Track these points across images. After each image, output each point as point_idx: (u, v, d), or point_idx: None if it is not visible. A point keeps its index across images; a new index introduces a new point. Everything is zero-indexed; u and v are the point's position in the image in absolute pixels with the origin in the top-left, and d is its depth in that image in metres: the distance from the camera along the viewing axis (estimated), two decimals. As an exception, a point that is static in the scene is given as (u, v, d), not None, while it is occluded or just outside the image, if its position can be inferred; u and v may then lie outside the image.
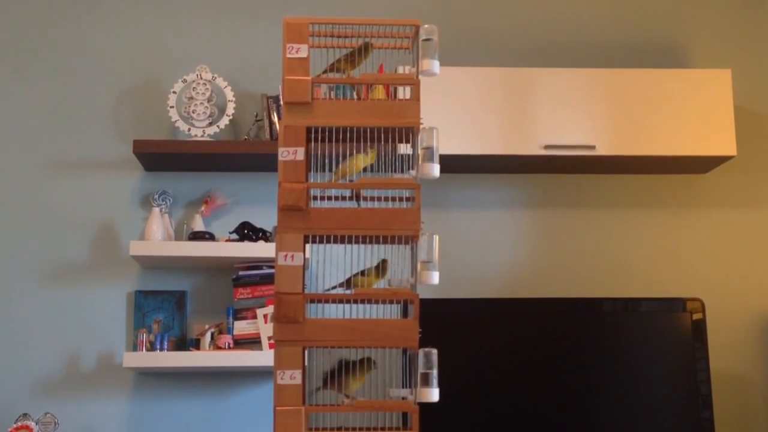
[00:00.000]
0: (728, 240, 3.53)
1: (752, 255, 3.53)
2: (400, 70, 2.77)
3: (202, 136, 3.30)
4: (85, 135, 3.45)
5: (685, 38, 3.66)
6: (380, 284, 2.07)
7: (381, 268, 2.07)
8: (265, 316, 3.14)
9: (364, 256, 2.07)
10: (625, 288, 3.46)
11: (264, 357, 3.08)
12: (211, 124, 3.33)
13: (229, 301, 3.24)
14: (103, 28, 3.53)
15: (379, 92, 2.86)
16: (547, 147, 3.23)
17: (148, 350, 3.14)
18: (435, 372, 1.96)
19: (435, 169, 2.05)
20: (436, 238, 2.02)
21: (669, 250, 3.51)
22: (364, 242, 2.05)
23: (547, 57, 3.59)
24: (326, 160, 2.07)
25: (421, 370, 1.96)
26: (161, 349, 3.14)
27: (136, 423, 3.28)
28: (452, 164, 3.25)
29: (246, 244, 3.18)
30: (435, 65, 2.06)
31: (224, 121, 3.32)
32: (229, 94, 3.33)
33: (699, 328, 3.18)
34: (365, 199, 2.08)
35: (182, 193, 3.43)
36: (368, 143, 2.06)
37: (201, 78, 3.34)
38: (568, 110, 3.25)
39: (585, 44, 3.62)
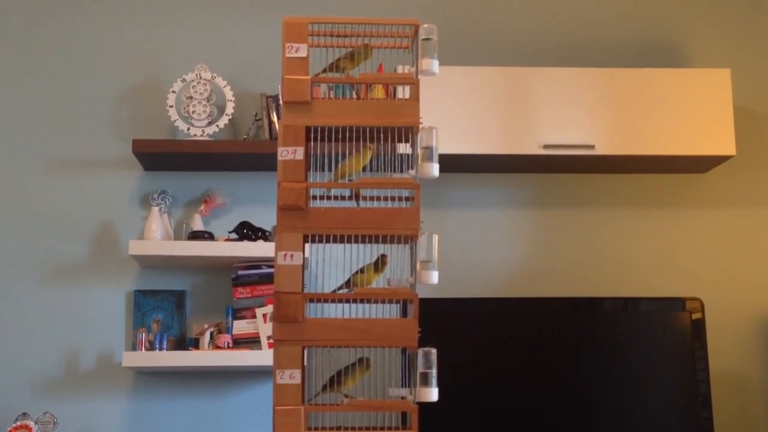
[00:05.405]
0: (727, 239, 3.53)
1: (752, 254, 3.53)
2: (400, 69, 2.78)
3: (201, 135, 3.29)
4: (85, 134, 3.45)
5: (685, 38, 3.66)
6: (379, 280, 2.07)
7: (380, 263, 2.07)
8: (264, 315, 3.14)
9: (364, 255, 2.07)
10: (624, 287, 3.46)
11: (263, 356, 3.08)
12: (210, 123, 3.33)
13: (229, 301, 3.24)
14: (102, 28, 3.52)
15: (379, 92, 2.86)
16: (546, 146, 3.23)
17: (147, 350, 3.14)
18: (434, 371, 1.96)
19: (434, 169, 2.05)
20: (435, 237, 2.02)
21: (668, 249, 3.51)
22: (363, 242, 2.05)
23: (546, 56, 3.59)
24: (326, 160, 2.07)
25: (420, 369, 1.96)
26: (160, 349, 3.13)
27: (135, 422, 3.28)
28: (451, 164, 3.24)
29: (245, 243, 3.18)
30: (434, 65, 2.07)
31: (223, 121, 3.32)
32: (229, 93, 3.33)
33: (698, 328, 3.18)
34: (365, 198, 2.08)
35: (181, 192, 3.43)
36: (367, 142, 2.06)
37: (200, 77, 3.34)
38: (568, 110, 3.25)
39: (584, 43, 3.62)
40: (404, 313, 2.06)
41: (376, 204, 2.08)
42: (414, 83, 2.08)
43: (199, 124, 3.32)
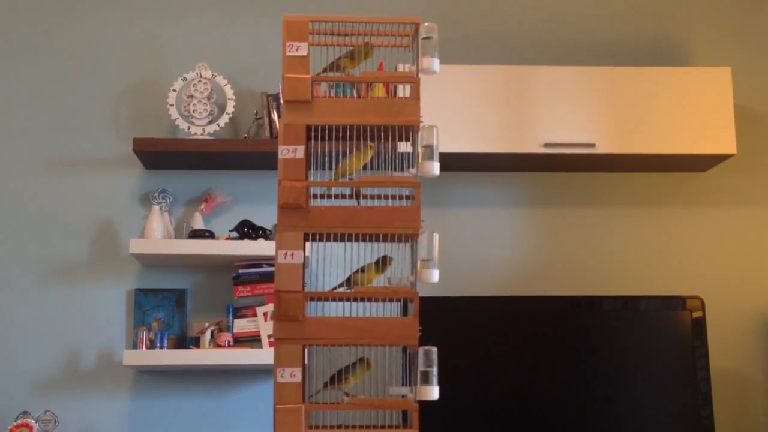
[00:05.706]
0: (728, 238, 3.53)
1: (752, 253, 3.53)
2: (400, 68, 2.78)
3: (201, 134, 3.29)
4: (85, 133, 3.45)
5: (685, 36, 3.66)
6: (380, 280, 2.07)
7: (381, 263, 2.07)
8: (264, 314, 3.14)
9: (364, 254, 2.07)
10: (624, 286, 3.46)
11: (264, 355, 3.08)
12: (211, 122, 3.33)
13: (229, 299, 3.24)
14: (102, 26, 3.52)
15: (379, 90, 2.86)
16: (547, 145, 3.23)
17: (148, 348, 3.14)
18: (435, 370, 1.96)
19: (435, 167, 2.05)
20: (436, 236, 2.02)
21: (669, 248, 3.51)
22: (363, 240, 2.05)
23: (547, 55, 3.59)
24: (326, 159, 2.07)
25: (421, 368, 1.96)
26: (161, 347, 3.14)
27: (135, 421, 3.28)
28: (452, 162, 3.24)
29: (246, 242, 3.18)
30: (435, 63, 2.06)
31: (224, 120, 3.32)
32: (229, 92, 3.33)
33: (699, 326, 3.18)
34: (365, 197, 2.08)
35: (182, 191, 3.43)
36: (368, 141, 2.06)
37: (201, 76, 3.34)
38: (568, 108, 3.25)
39: (585, 42, 3.62)
40: (405, 311, 2.05)
41: (376, 203, 2.08)
42: (414, 82, 2.08)
43: (200, 122, 3.32)
